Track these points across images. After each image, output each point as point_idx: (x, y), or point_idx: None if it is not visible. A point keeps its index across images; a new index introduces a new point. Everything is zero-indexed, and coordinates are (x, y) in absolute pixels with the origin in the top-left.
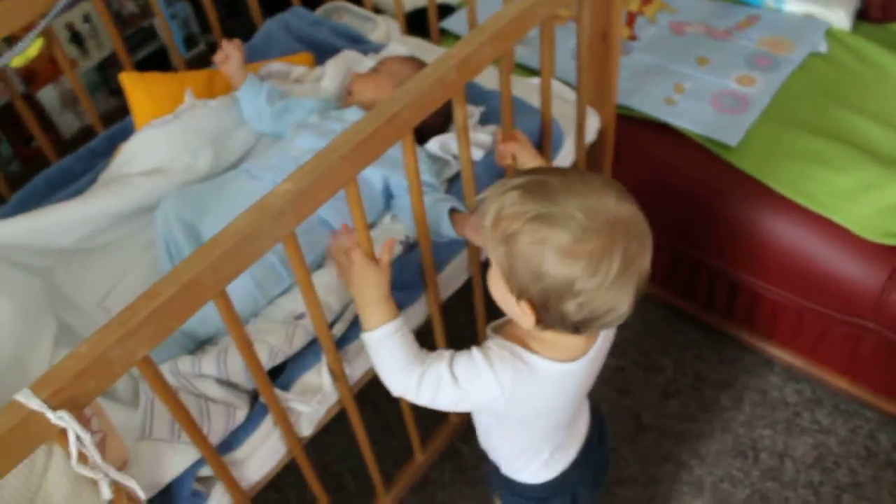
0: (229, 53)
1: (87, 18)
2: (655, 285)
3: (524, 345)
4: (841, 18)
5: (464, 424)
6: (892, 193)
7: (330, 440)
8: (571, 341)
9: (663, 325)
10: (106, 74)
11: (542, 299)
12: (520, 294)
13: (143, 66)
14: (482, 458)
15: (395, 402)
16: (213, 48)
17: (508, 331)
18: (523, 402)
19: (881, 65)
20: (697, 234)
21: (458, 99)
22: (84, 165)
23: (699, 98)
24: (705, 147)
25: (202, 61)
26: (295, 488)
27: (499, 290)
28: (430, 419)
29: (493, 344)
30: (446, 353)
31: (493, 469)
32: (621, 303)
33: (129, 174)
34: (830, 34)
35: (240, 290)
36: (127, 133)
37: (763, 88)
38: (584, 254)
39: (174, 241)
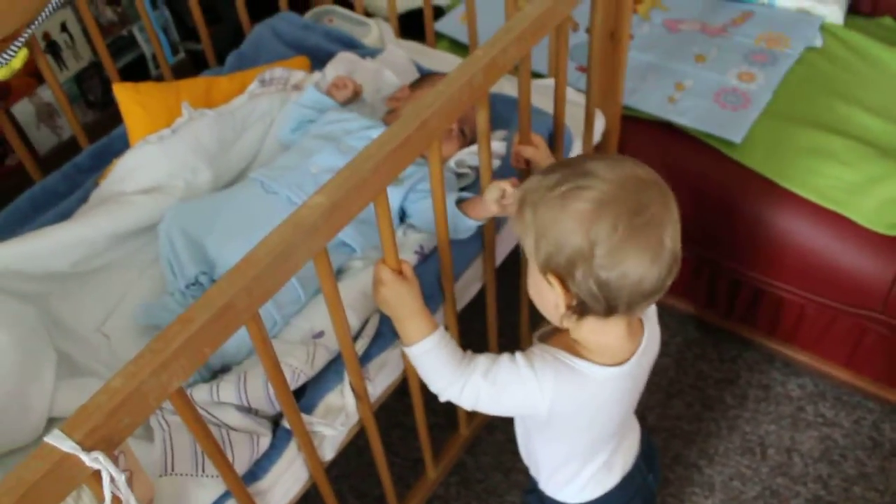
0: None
1: (64, 27)
2: None
3: (570, 350)
4: (834, 12)
5: (473, 436)
6: None
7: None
8: (615, 342)
9: (662, 326)
10: (83, 87)
11: (566, 267)
12: (545, 267)
13: (120, 76)
14: (489, 469)
15: (397, 421)
16: (194, 56)
17: (554, 340)
18: (566, 407)
19: (877, 58)
20: (701, 231)
21: (483, 103)
22: (70, 183)
23: (701, 96)
24: (709, 144)
25: (184, 70)
26: None
27: (534, 282)
28: (438, 430)
29: (537, 349)
30: (483, 363)
31: (534, 490)
32: (639, 267)
33: (125, 192)
34: (824, 28)
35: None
36: (114, 147)
37: (763, 84)
38: (599, 214)
39: (178, 260)
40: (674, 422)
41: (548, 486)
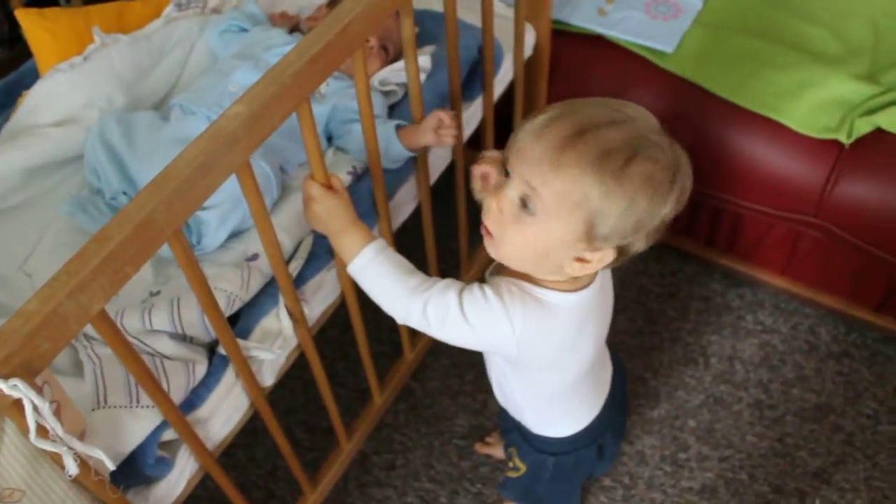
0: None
1: None
2: None
3: (530, 280)
4: None
5: (418, 361)
6: (829, 90)
7: (272, 396)
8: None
9: None
10: None
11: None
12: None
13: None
14: (436, 394)
15: (343, 353)
16: None
17: (509, 271)
18: (537, 339)
19: None
20: None
21: (407, 10)
22: None
23: (631, 7)
24: (640, 56)
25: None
26: (244, 448)
27: (543, 241)
28: (383, 358)
29: (501, 280)
30: (457, 283)
31: (515, 428)
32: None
33: (39, 125)
34: None
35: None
36: (24, 83)
37: None
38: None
39: (103, 171)
40: (618, 336)
41: (536, 426)
